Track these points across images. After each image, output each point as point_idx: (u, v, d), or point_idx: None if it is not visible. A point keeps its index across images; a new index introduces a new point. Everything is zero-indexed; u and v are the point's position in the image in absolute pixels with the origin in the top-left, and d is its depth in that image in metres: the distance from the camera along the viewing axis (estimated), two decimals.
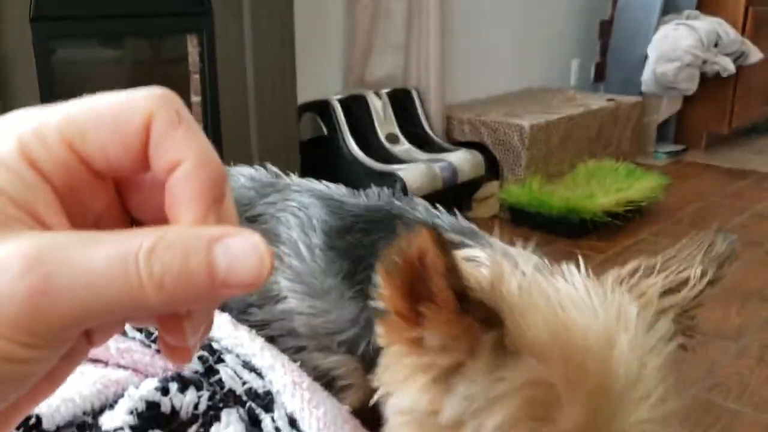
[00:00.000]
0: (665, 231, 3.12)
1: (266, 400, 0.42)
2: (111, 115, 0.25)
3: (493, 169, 3.19)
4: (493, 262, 0.41)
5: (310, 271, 0.51)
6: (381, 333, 0.41)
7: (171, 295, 0.22)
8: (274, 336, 0.50)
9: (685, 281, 0.44)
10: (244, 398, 0.42)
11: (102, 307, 0.22)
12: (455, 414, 0.37)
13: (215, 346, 0.44)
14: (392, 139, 3.08)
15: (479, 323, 0.37)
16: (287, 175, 0.63)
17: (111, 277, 0.22)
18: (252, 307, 0.51)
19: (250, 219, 0.54)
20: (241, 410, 0.42)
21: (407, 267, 0.35)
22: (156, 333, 0.45)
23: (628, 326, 0.40)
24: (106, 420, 0.40)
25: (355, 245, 0.52)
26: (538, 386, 0.37)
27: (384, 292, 0.38)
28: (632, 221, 2.98)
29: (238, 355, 0.44)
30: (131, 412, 0.40)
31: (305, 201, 0.55)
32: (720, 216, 3.34)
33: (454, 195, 2.99)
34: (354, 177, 2.81)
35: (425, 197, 2.59)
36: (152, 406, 0.41)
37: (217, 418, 0.42)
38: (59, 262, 0.22)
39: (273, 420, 0.41)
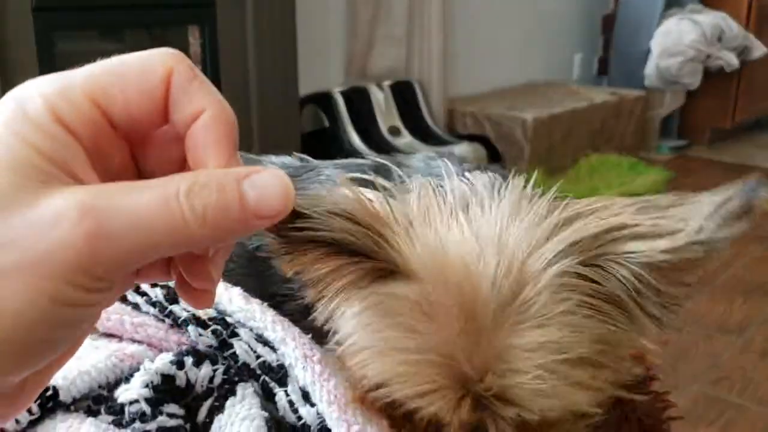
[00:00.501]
0: None
1: (280, 374, 0.42)
2: (134, 70, 0.27)
3: (495, 162, 3.18)
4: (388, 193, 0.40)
5: None
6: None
7: (212, 228, 0.25)
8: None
9: (673, 232, 0.37)
10: (258, 372, 0.42)
11: (153, 244, 0.24)
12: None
13: (229, 320, 0.44)
14: (394, 131, 3.07)
15: (350, 259, 0.37)
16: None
17: (158, 217, 0.24)
18: (289, 279, 0.52)
19: None
20: (256, 384, 0.42)
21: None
22: (170, 307, 0.44)
23: (506, 245, 0.38)
24: (122, 393, 0.39)
25: None
26: (400, 300, 0.37)
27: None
28: None
29: (251, 329, 0.43)
30: (146, 386, 0.40)
31: (331, 172, 0.57)
32: None
33: None
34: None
35: None
36: (167, 379, 0.41)
37: (233, 392, 0.41)
38: (109, 208, 0.24)
39: (287, 394, 0.41)
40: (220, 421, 0.40)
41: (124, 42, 2.36)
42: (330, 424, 0.40)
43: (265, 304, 0.45)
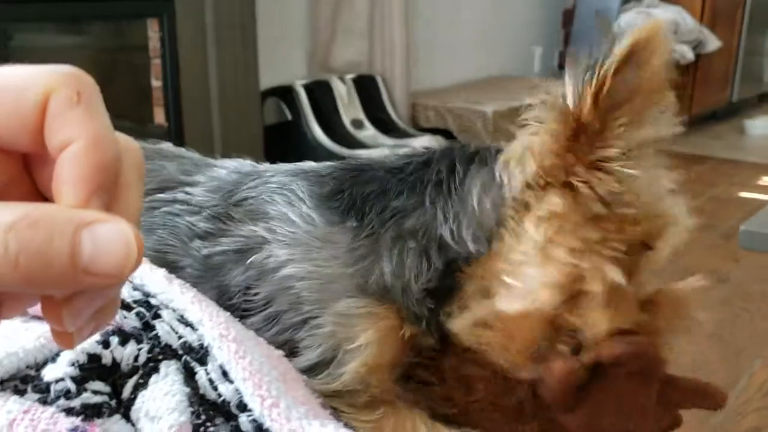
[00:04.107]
0: None
1: (200, 353, 0.44)
2: (7, 87, 0.24)
3: None
4: None
5: (307, 232, 0.51)
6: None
7: (27, 276, 0.22)
8: (280, 312, 0.50)
9: None
10: (180, 352, 0.44)
11: None
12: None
13: (152, 302, 0.46)
14: (357, 124, 3.10)
15: None
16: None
17: None
18: (250, 288, 0.50)
19: (235, 204, 0.54)
20: (178, 363, 0.44)
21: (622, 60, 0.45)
22: None
23: None
24: (48, 372, 0.41)
25: (352, 202, 0.52)
26: None
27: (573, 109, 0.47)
28: None
29: (174, 310, 0.46)
30: (73, 364, 0.42)
31: (284, 180, 0.55)
32: None
33: None
34: (318, 162, 2.82)
35: None
36: (93, 358, 0.43)
37: (156, 370, 0.43)
38: None
39: (207, 372, 0.44)
40: (143, 396, 0.42)
41: (82, 35, 2.35)
42: (246, 399, 0.42)
43: (186, 284, 0.47)
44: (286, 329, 0.50)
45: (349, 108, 3.10)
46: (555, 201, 0.48)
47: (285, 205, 0.52)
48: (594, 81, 0.46)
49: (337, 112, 3.04)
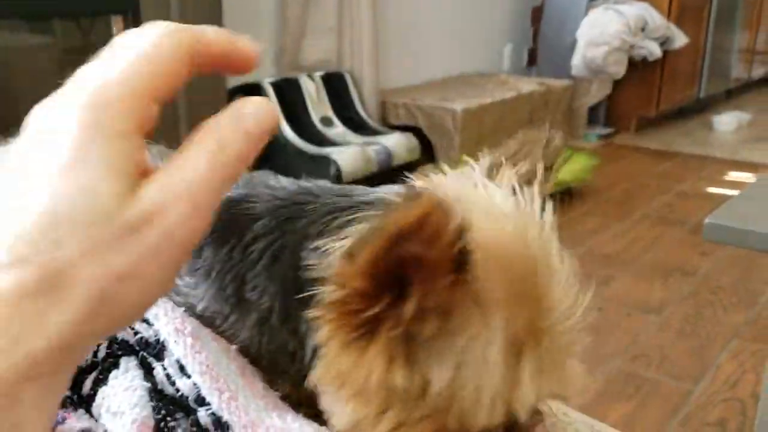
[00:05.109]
0: (593, 210, 3.21)
1: (157, 349, 0.44)
2: (177, 62, 0.31)
3: (428, 152, 3.23)
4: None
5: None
6: (323, 325, 0.38)
7: (256, 142, 0.33)
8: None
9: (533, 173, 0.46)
10: (137, 348, 0.44)
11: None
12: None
13: None
14: (326, 122, 3.09)
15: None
16: None
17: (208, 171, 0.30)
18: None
19: None
20: (137, 359, 0.44)
21: (395, 234, 0.33)
22: None
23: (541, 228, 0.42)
24: None
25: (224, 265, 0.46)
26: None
27: (344, 270, 0.35)
28: (562, 201, 3.06)
29: None
30: None
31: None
32: (646, 196, 3.45)
33: (388, 178, 3.02)
34: (287, 160, 2.81)
35: (360, 181, 2.56)
36: None
37: (116, 365, 0.43)
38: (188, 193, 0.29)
39: (164, 368, 0.43)
40: (103, 392, 0.42)
41: (47, 32, 2.32)
42: (204, 393, 0.42)
43: None
44: None
45: (318, 106, 3.09)
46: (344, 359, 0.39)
47: None
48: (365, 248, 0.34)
49: (306, 110, 3.03)
